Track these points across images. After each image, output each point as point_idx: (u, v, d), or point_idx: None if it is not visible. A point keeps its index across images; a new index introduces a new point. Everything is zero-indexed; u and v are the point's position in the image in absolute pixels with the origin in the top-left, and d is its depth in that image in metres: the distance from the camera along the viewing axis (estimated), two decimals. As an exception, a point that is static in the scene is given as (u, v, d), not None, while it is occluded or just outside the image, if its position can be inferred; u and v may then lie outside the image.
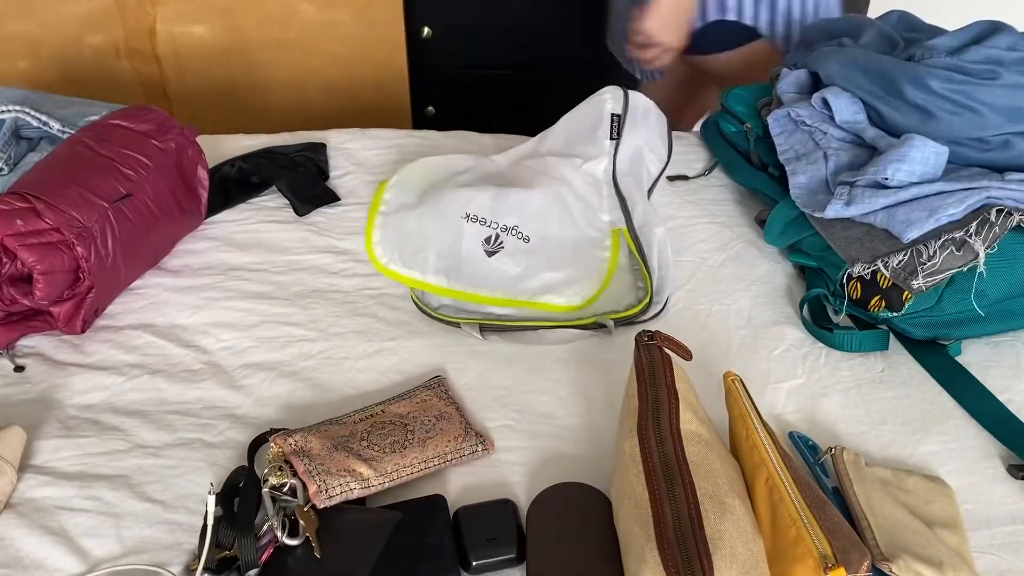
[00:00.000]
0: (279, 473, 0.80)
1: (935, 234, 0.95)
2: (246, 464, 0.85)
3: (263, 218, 1.20)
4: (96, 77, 2.16)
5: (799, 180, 1.11)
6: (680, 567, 0.64)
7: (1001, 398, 0.94)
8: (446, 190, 1.14)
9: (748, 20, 1.37)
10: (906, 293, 0.96)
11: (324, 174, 1.30)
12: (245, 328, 1.03)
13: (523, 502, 0.82)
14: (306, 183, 1.26)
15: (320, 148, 1.33)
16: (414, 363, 0.98)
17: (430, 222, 1.12)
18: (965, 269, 0.94)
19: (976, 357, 0.99)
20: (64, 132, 1.20)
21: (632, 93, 1.24)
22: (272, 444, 0.83)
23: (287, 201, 1.23)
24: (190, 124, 1.16)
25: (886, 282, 0.98)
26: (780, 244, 1.14)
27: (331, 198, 1.23)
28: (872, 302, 1.00)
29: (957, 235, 0.94)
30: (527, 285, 1.07)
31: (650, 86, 1.60)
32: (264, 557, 0.75)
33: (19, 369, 0.97)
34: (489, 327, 1.02)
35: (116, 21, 2.09)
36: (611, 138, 1.19)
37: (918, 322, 0.99)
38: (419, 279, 1.08)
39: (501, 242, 1.09)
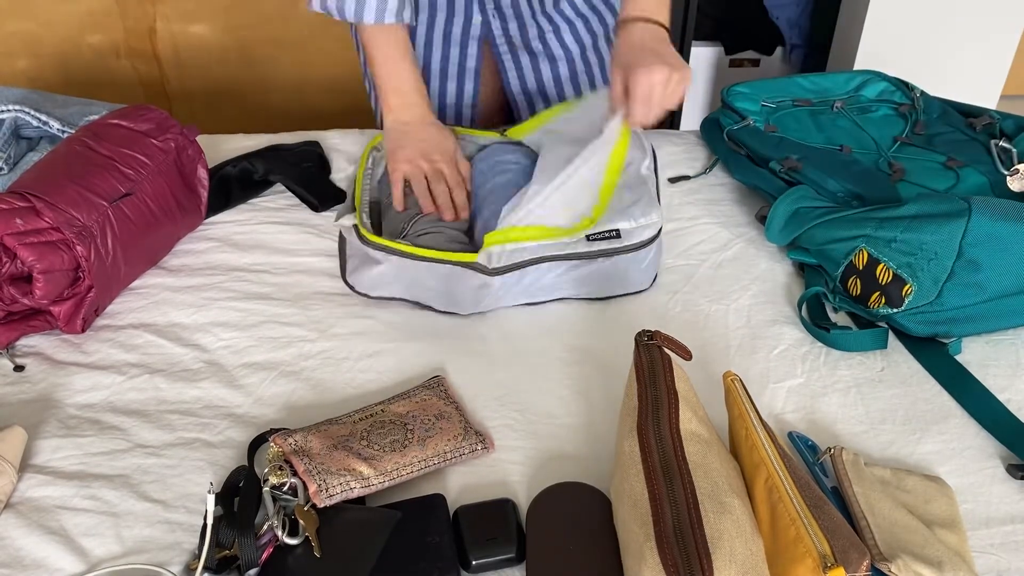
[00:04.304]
0: (279, 472, 0.80)
1: None
2: (246, 464, 0.85)
3: (263, 219, 1.20)
4: (96, 77, 2.16)
5: None
6: (680, 567, 0.64)
7: (1001, 397, 0.94)
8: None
9: None
10: (906, 288, 0.96)
11: (328, 170, 1.29)
12: (245, 327, 1.03)
13: (523, 502, 0.82)
14: (317, 180, 1.26)
15: (316, 147, 1.33)
16: (414, 363, 0.98)
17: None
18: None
19: (976, 356, 0.99)
20: (64, 131, 1.20)
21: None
22: (272, 444, 0.83)
23: (288, 202, 1.23)
24: (190, 124, 1.16)
25: (886, 278, 0.98)
26: (781, 241, 1.14)
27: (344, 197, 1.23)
28: (872, 298, 1.00)
29: None
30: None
31: None
32: (264, 556, 0.76)
33: (19, 368, 0.97)
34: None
35: (116, 21, 2.09)
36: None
37: (918, 319, 0.99)
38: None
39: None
